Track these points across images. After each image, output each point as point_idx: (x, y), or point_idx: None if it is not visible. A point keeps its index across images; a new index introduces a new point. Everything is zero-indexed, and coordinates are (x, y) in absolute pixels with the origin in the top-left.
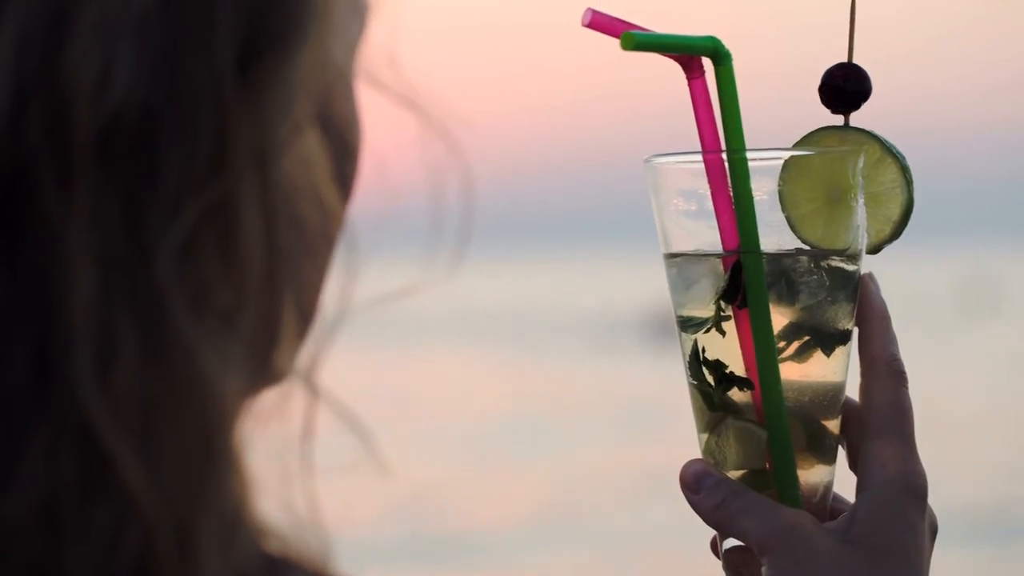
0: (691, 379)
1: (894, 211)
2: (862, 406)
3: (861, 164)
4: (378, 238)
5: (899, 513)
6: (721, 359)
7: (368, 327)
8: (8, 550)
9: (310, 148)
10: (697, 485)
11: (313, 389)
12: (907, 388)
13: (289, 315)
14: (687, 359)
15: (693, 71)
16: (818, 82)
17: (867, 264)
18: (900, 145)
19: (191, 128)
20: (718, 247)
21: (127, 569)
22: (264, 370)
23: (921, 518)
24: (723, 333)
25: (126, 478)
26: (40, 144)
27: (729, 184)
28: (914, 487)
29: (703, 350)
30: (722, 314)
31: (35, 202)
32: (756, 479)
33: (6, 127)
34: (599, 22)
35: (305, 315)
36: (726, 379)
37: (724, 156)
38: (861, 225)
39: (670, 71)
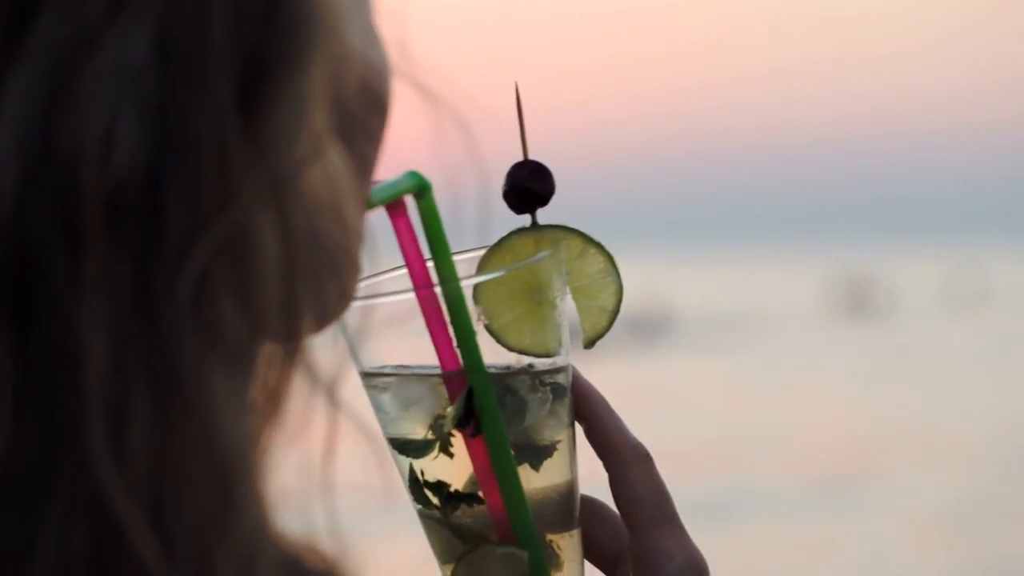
0: (419, 507)
1: (608, 300)
2: (622, 499)
3: (562, 261)
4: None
5: None
6: (443, 479)
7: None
8: None
9: (331, 160)
10: None
11: (335, 402)
12: (656, 468)
13: (308, 330)
14: (407, 484)
15: (398, 209)
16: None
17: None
18: (899, 145)
19: (195, 173)
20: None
21: None
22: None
23: None
24: (451, 455)
25: (141, 552)
26: (48, 224)
27: (444, 314)
28: (702, 570)
29: (422, 473)
30: (450, 436)
31: (45, 282)
32: None
33: (13, 213)
34: None
35: (322, 327)
36: (453, 498)
37: (437, 289)
38: (571, 324)
39: (669, 70)
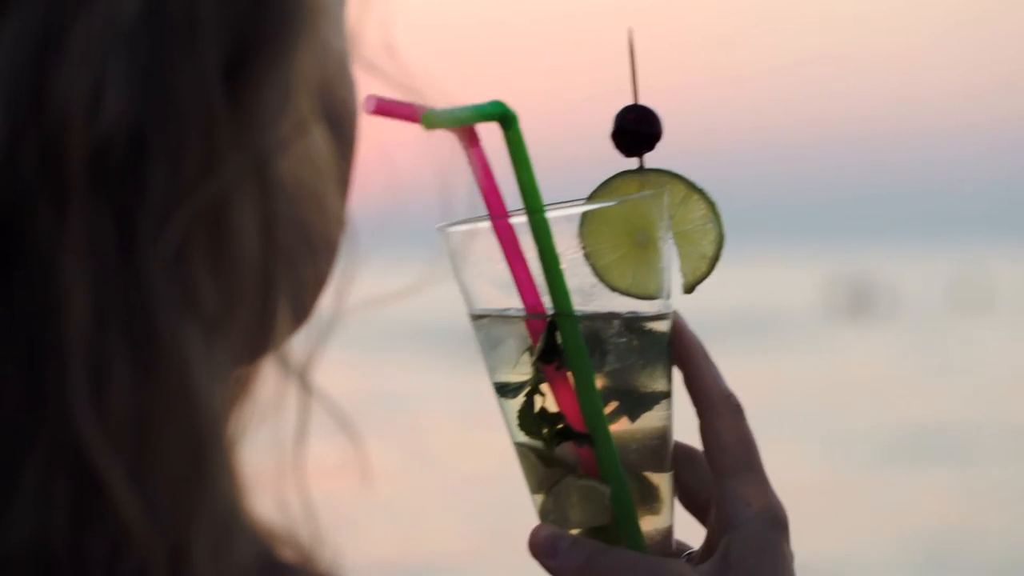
0: (523, 437)
1: (708, 247)
2: (708, 446)
3: (666, 205)
4: (380, 236)
5: (772, 548)
6: (558, 412)
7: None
8: None
9: (315, 146)
10: (553, 549)
11: (307, 387)
12: (746, 420)
13: (284, 317)
14: (517, 416)
15: (472, 139)
16: (603, 125)
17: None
18: (900, 144)
19: (179, 138)
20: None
21: None
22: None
23: (789, 548)
24: (543, 394)
25: (120, 507)
26: (34, 174)
27: (522, 248)
28: (780, 519)
29: (544, 402)
30: (542, 374)
31: (29, 231)
32: (600, 535)
33: (1, 163)
34: (385, 108)
35: (299, 316)
36: (561, 434)
37: (514, 220)
38: (673, 267)
39: (668, 69)
